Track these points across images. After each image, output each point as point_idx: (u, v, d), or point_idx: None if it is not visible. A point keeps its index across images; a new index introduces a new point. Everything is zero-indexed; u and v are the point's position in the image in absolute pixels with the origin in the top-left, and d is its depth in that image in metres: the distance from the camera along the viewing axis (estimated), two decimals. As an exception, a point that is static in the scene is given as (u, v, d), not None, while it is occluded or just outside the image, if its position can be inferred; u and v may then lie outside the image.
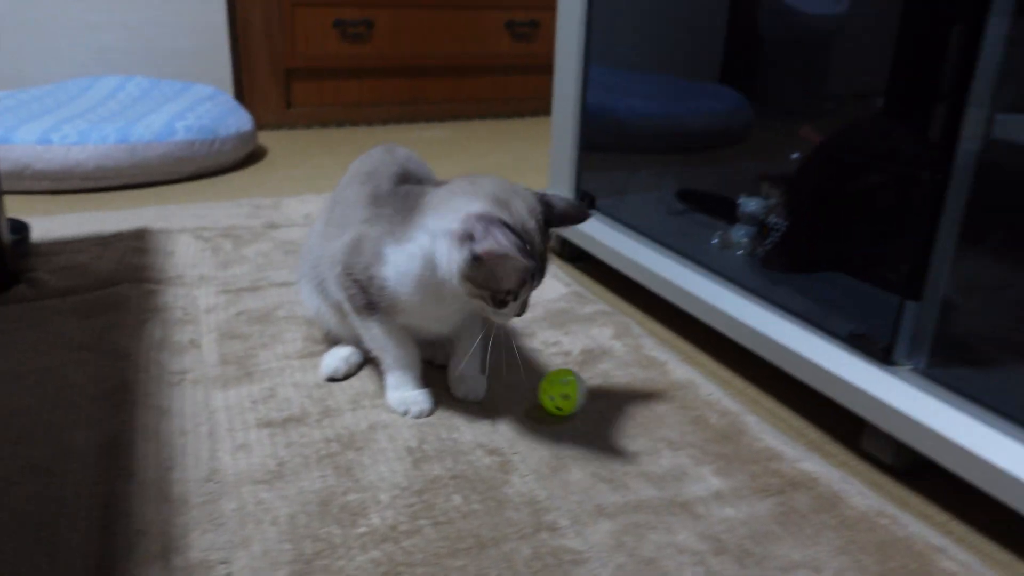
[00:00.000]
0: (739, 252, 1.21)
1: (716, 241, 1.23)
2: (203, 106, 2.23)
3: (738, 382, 1.07)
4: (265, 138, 2.70)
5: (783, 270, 1.13)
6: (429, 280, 0.83)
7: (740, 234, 1.22)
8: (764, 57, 1.25)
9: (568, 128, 1.47)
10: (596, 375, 1.03)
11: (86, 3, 2.52)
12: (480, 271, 0.79)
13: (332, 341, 1.06)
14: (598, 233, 1.37)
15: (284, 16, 2.76)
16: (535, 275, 0.81)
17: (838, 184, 1.05)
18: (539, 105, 3.29)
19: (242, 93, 2.81)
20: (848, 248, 1.04)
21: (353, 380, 1.00)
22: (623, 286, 1.38)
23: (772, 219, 1.13)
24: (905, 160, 0.89)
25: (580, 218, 0.88)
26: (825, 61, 1.12)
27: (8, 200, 1.88)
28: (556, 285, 1.35)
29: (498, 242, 0.75)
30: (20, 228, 1.45)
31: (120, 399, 0.93)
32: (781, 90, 1.20)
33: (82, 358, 1.03)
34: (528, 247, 0.76)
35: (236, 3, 2.70)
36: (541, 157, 2.49)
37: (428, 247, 0.82)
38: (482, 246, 0.76)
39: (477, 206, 0.79)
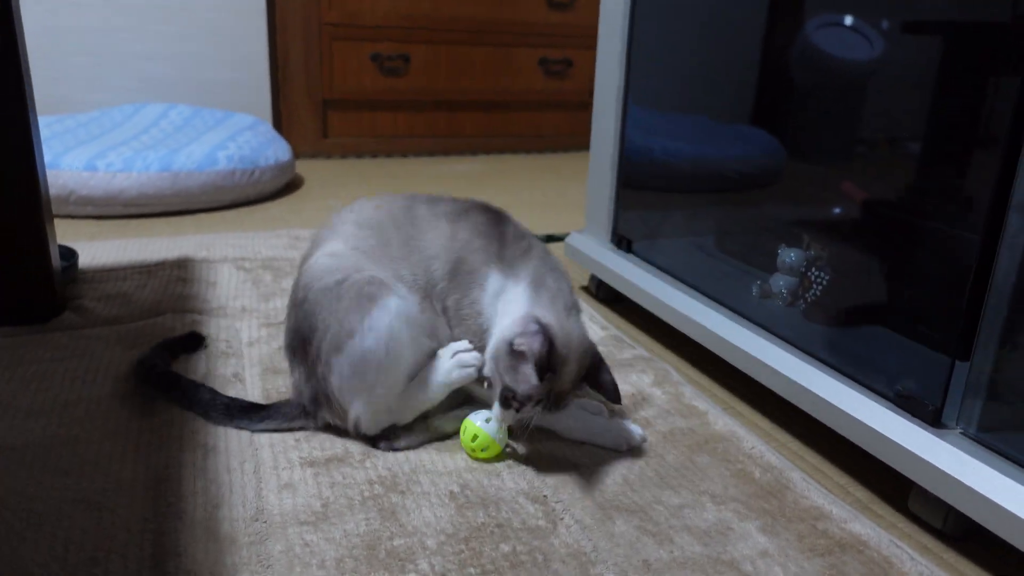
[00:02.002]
0: (779, 303, 1.21)
1: (756, 291, 1.23)
2: (243, 136, 2.27)
3: (780, 435, 1.07)
4: (302, 167, 2.74)
5: (825, 323, 1.12)
6: None
7: (780, 284, 1.22)
8: (797, 101, 1.25)
9: (606, 170, 1.48)
10: (637, 422, 1.03)
11: (132, 33, 2.60)
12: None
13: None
14: (635, 277, 1.37)
15: (323, 49, 2.82)
16: (543, 403, 0.88)
17: (884, 240, 1.05)
18: (571, 141, 3.32)
19: (280, 122, 2.86)
20: (894, 304, 1.04)
21: (395, 420, 1.01)
22: (660, 329, 1.38)
23: (814, 272, 1.12)
24: (955, 215, 0.89)
25: (612, 399, 0.94)
26: (859, 106, 1.13)
27: (55, 225, 1.92)
28: (594, 328, 1.35)
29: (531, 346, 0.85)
30: (69, 255, 1.49)
31: (166, 434, 0.95)
32: (814, 134, 1.21)
33: (129, 389, 1.05)
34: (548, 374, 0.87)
35: (277, 36, 2.77)
36: (574, 194, 2.51)
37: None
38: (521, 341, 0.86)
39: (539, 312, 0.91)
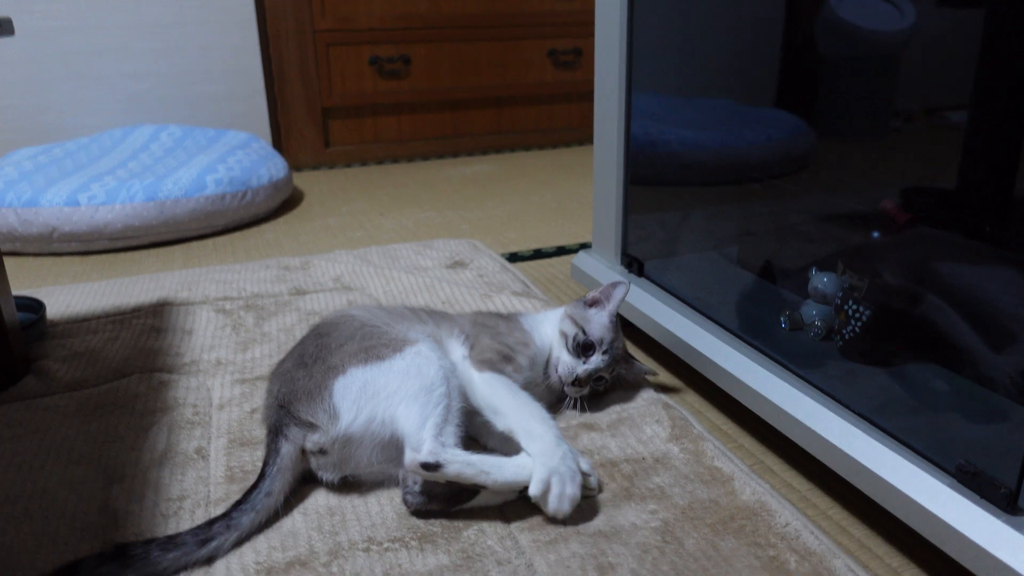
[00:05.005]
0: (811, 335, 1.06)
1: (785, 322, 1.08)
2: (235, 156, 2.16)
3: (819, 499, 0.92)
4: (303, 179, 2.63)
5: (866, 362, 0.97)
6: None
7: (812, 314, 1.07)
8: (824, 78, 1.10)
9: (611, 182, 1.34)
10: (650, 494, 0.89)
11: (120, 53, 2.50)
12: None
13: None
14: (647, 307, 1.22)
15: (319, 56, 2.70)
16: (608, 351, 1.04)
17: (936, 262, 0.90)
18: (585, 134, 3.16)
19: (279, 134, 2.75)
20: (954, 342, 0.88)
21: (372, 504, 0.88)
22: (677, 360, 1.24)
23: (851, 305, 0.97)
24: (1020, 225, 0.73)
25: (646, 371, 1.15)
26: (891, 79, 0.98)
27: (36, 263, 1.83)
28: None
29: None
30: (36, 307, 1.38)
31: (110, 536, 0.83)
32: (843, 112, 1.06)
33: (77, 477, 0.94)
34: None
35: (270, 46, 2.65)
36: (587, 194, 2.36)
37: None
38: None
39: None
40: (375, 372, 0.87)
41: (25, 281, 1.72)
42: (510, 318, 1.09)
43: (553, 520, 0.84)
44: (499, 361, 0.98)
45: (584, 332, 1.04)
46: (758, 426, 1.06)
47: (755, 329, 1.09)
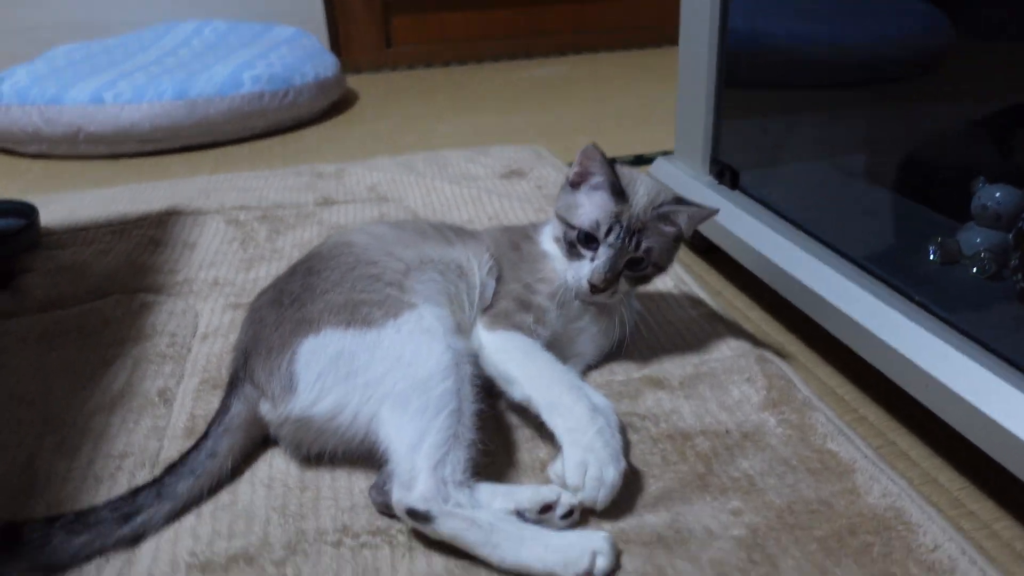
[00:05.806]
0: (974, 270, 0.77)
1: (934, 253, 0.79)
2: (278, 51, 1.94)
3: (977, 503, 0.65)
4: (362, 82, 2.40)
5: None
6: None
7: (975, 241, 0.77)
8: None
9: (700, 70, 1.05)
10: (733, 484, 0.64)
11: (163, -61, 2.28)
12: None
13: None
14: (741, 228, 0.95)
15: (378, -60, 2.41)
16: (615, 231, 0.74)
17: None
18: (673, 33, 2.78)
19: (337, 32, 2.51)
20: None
21: (357, 480, 0.67)
22: (775, 295, 0.96)
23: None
24: None
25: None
26: None
27: (63, 167, 1.68)
28: (680, 302, 0.95)
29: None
30: (28, 212, 1.22)
31: (21, 506, 0.65)
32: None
33: (14, 421, 0.76)
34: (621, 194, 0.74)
35: (324, -71, 2.38)
36: (673, 99, 2.03)
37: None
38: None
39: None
40: (357, 342, 0.64)
41: (48, 185, 1.57)
42: (531, 237, 0.83)
43: (590, 512, 0.62)
44: (516, 311, 0.74)
45: (571, 226, 0.76)
46: (889, 392, 0.79)
47: (890, 261, 0.81)
